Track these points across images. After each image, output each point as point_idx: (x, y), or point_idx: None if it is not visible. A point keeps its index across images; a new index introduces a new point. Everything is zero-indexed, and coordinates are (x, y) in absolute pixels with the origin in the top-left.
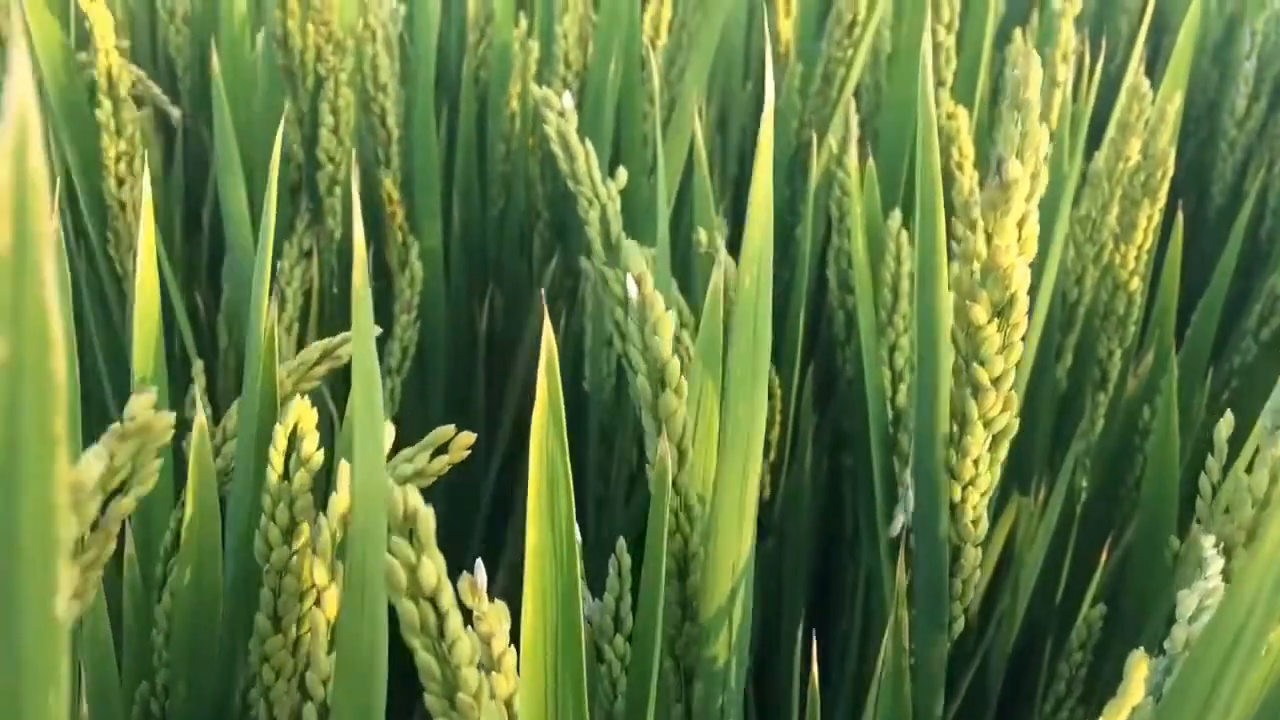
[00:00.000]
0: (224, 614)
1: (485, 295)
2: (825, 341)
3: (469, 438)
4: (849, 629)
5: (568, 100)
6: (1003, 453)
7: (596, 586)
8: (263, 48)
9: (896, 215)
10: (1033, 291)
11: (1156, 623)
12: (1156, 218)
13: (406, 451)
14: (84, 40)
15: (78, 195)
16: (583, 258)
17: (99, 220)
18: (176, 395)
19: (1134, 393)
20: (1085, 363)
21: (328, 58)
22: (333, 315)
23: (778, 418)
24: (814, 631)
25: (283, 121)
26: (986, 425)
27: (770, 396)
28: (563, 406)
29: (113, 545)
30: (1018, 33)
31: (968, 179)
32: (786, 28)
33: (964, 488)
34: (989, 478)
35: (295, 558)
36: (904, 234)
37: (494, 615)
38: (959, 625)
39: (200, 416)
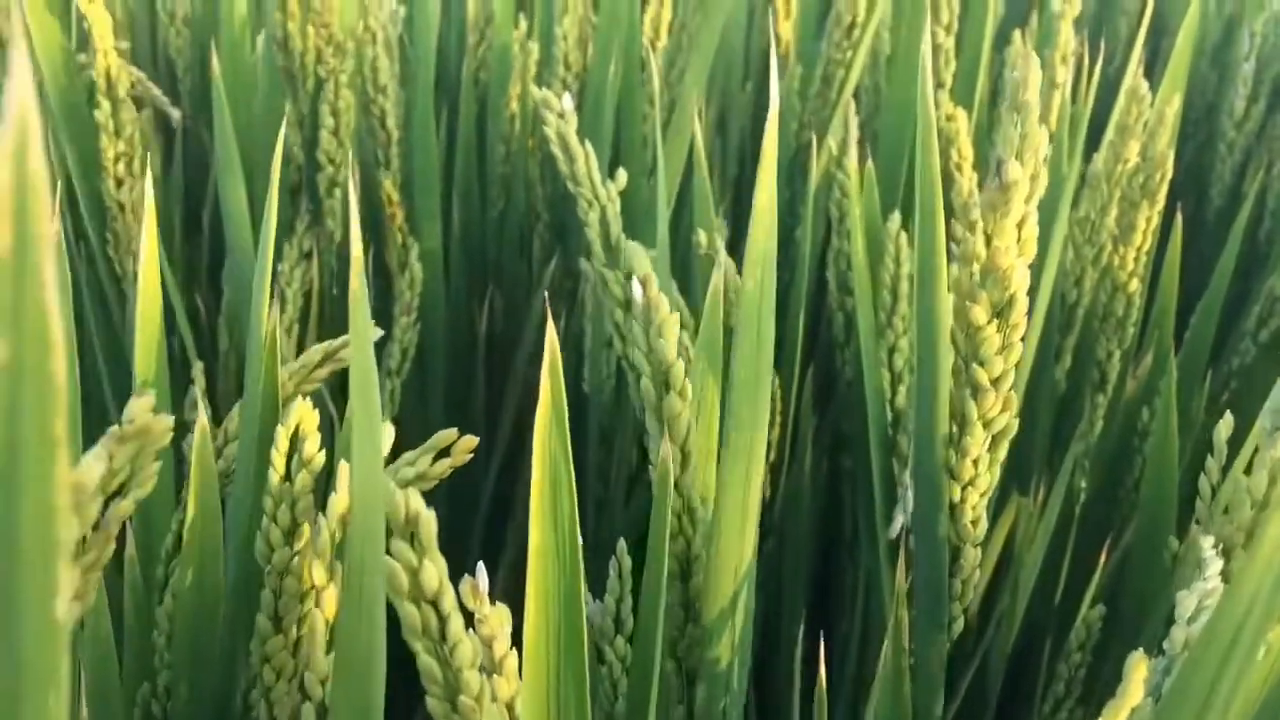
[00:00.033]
0: (225, 615)
1: (485, 297)
2: (825, 343)
3: (471, 441)
4: (848, 630)
5: (567, 102)
6: (1002, 453)
7: (596, 587)
8: (263, 49)
9: (896, 217)
10: (1031, 293)
11: (1155, 623)
12: (1155, 219)
13: (408, 455)
14: (84, 42)
15: (77, 197)
16: (582, 259)
17: (98, 221)
18: (177, 397)
19: (1133, 394)
20: (1084, 364)
21: (328, 59)
22: (333, 316)
23: (777, 419)
24: (821, 633)
25: (284, 123)
26: (986, 426)
27: (770, 398)
28: (565, 408)
29: (112, 547)
30: (1017, 35)
31: (967, 180)
32: (786, 29)
33: (963, 488)
34: (988, 478)
35: (296, 559)
36: (903, 236)
37: (495, 618)
38: (958, 625)
39: (202, 418)
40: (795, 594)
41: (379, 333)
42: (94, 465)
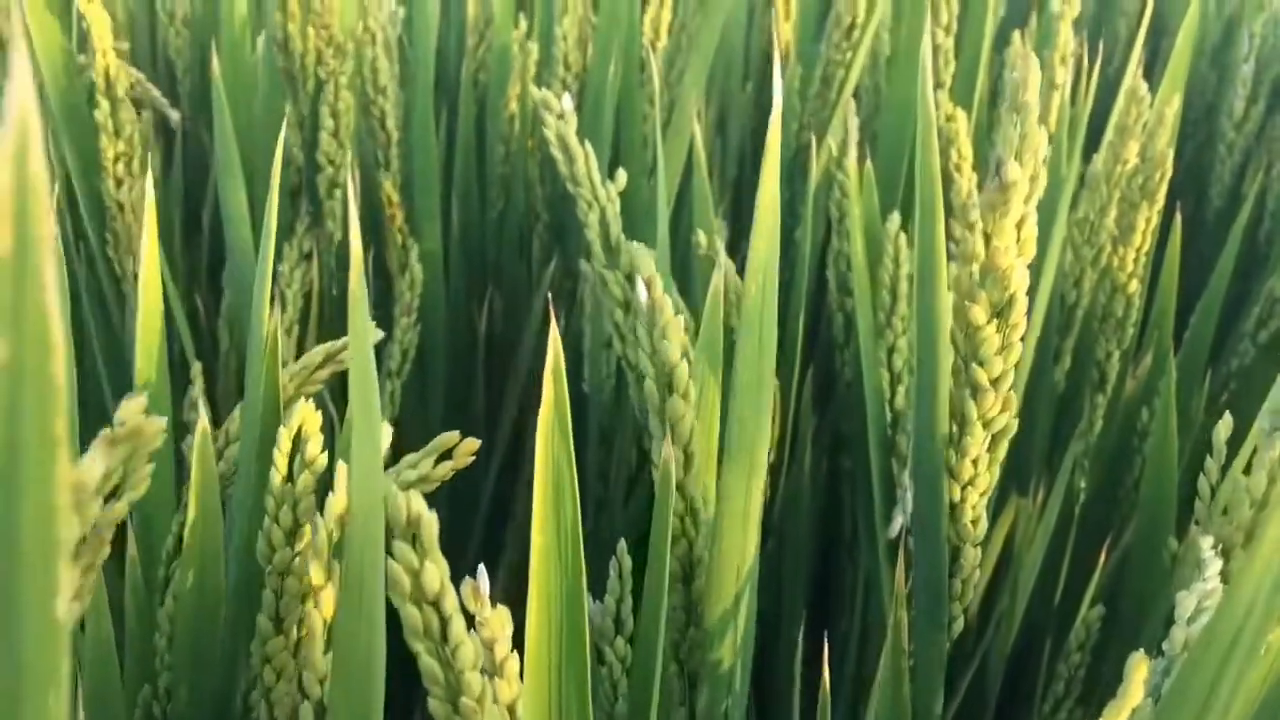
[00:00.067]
0: (226, 617)
1: (484, 298)
2: (825, 343)
3: (473, 444)
4: (848, 630)
5: (567, 102)
6: (1002, 453)
7: (595, 587)
8: (263, 51)
9: (895, 217)
10: (1031, 293)
11: (1155, 624)
12: (1155, 220)
13: (410, 457)
14: (85, 42)
15: (77, 197)
16: (582, 260)
17: (98, 221)
18: (178, 399)
19: (1132, 394)
20: (1084, 364)
21: (328, 61)
22: (332, 318)
23: (777, 419)
24: (823, 634)
25: (284, 125)
26: (985, 425)
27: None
28: (568, 410)
29: (106, 551)
30: (1016, 35)
31: (966, 181)
32: (786, 30)
33: (963, 488)
34: (988, 478)
35: (298, 560)
36: (902, 236)
37: (496, 621)
38: (958, 625)
39: (202, 420)
40: (795, 594)
41: (379, 334)
42: (95, 465)
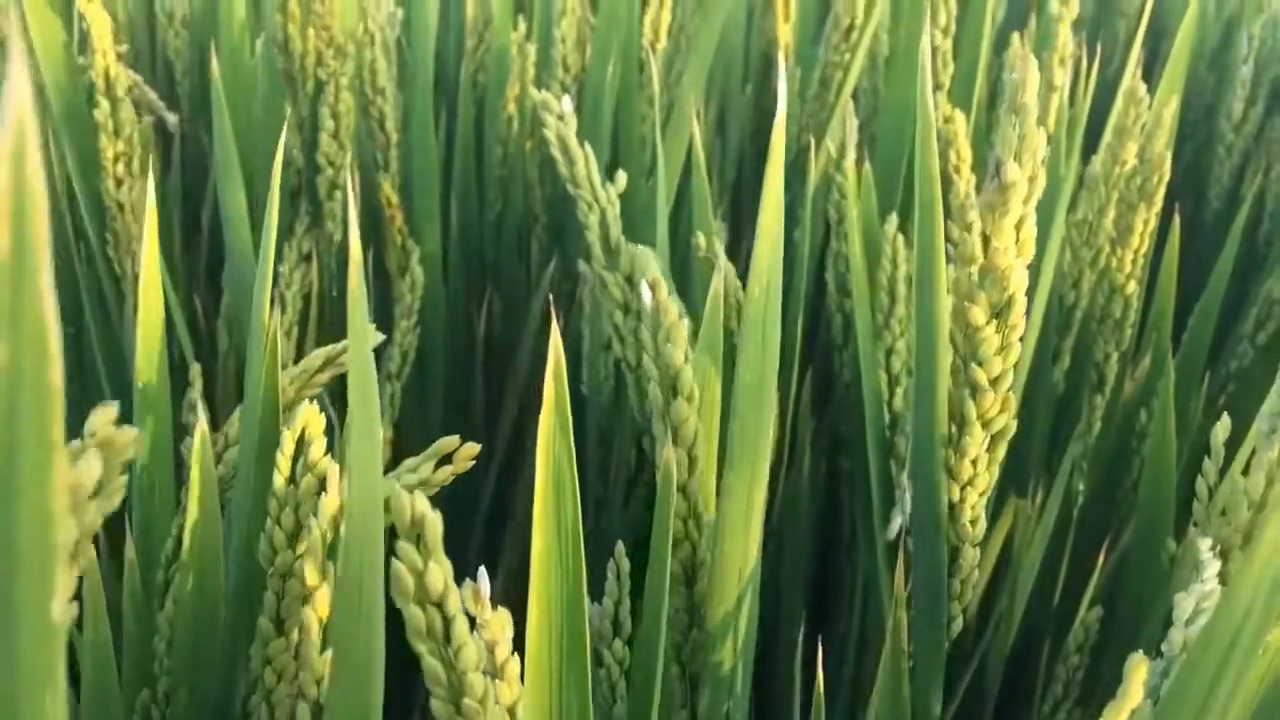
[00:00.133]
0: (226, 620)
1: (484, 299)
2: (824, 345)
3: (473, 448)
4: (847, 631)
5: (566, 104)
6: (1001, 453)
7: (594, 588)
8: (262, 52)
9: (893, 219)
10: (1029, 294)
11: (1153, 625)
12: (1153, 222)
13: (410, 461)
14: (85, 43)
15: (77, 197)
16: (581, 261)
17: (98, 221)
18: (178, 400)
19: (1131, 396)
20: (1082, 366)
21: (328, 62)
22: (332, 319)
23: (776, 421)
24: (818, 636)
25: (285, 126)
26: (985, 426)
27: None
28: (569, 412)
29: (88, 560)
30: (1015, 37)
31: (965, 182)
32: (785, 31)
33: (962, 488)
34: (987, 478)
35: (299, 562)
36: (900, 238)
37: (497, 623)
38: (957, 626)
39: (202, 423)
40: (794, 596)
41: (380, 337)
42: (91, 468)
